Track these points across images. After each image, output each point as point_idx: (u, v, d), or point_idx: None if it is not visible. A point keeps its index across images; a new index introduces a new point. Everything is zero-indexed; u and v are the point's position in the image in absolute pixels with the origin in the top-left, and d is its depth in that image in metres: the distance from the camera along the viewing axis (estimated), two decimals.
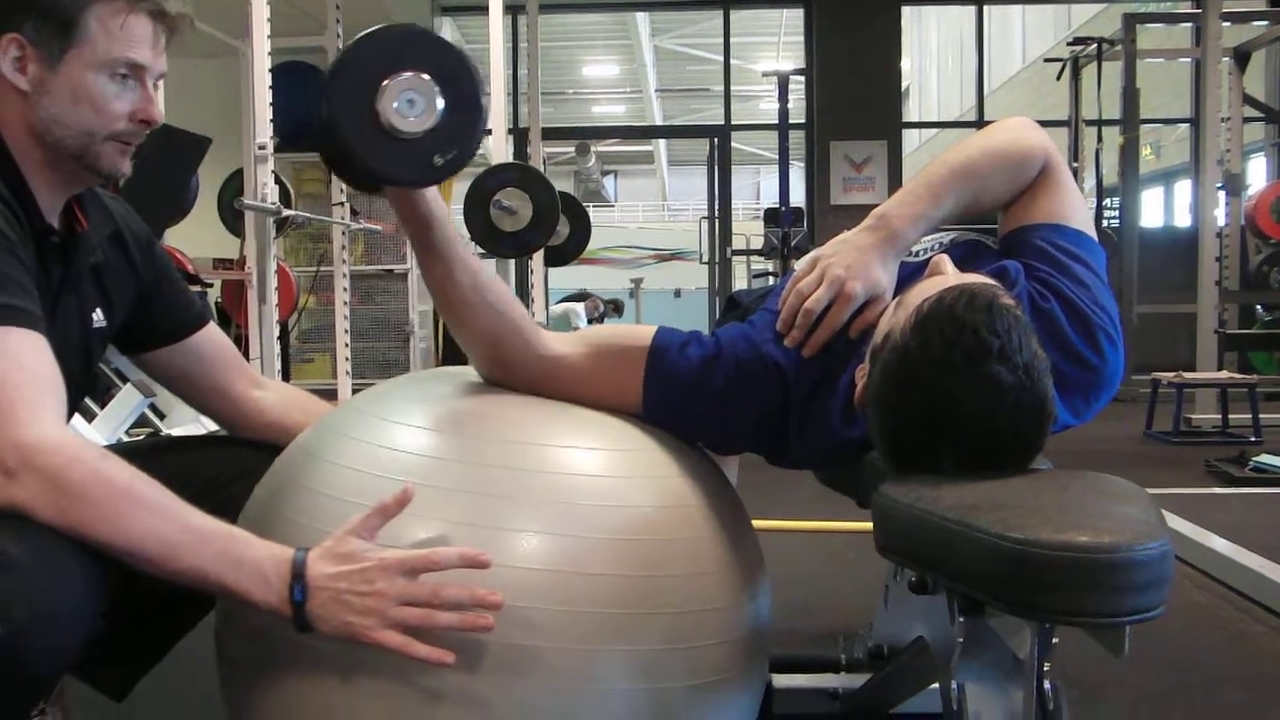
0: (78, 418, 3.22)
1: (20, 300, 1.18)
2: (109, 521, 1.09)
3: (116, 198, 1.52)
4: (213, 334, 1.63)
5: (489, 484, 1.23)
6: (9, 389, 1.11)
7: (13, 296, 1.17)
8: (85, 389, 1.56)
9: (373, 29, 1.27)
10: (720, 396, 1.41)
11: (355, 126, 1.24)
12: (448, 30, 11.70)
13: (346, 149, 1.26)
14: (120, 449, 1.54)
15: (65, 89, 1.29)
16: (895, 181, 9.11)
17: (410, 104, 1.24)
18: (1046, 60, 9.52)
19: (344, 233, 5.52)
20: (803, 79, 9.38)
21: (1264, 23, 7.28)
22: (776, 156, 7.32)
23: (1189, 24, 8.67)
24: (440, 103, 1.24)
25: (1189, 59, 8.80)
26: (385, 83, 1.23)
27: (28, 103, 1.30)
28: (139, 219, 1.55)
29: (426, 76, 1.24)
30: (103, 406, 3.63)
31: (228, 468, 1.51)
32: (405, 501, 1.15)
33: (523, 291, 7.58)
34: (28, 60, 1.29)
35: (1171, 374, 5.55)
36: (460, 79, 1.26)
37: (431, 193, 1.35)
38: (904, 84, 11.14)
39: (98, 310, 1.45)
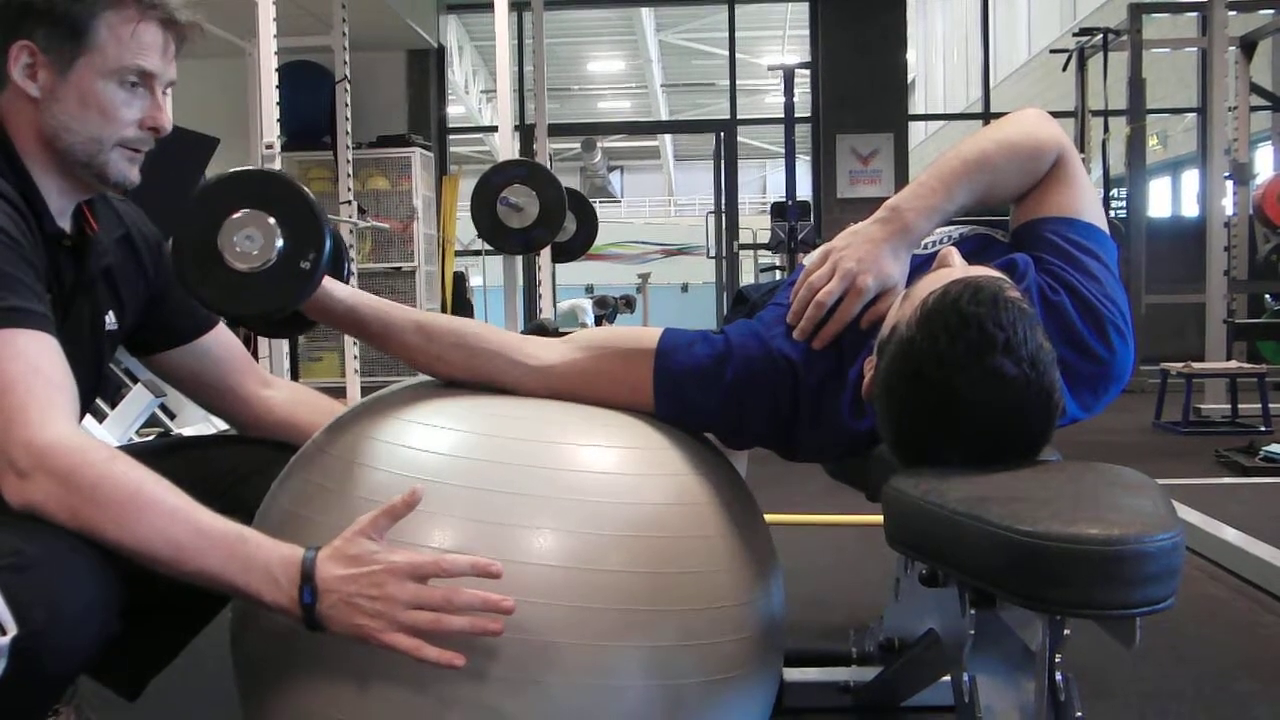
0: (89, 418, 3.23)
1: (29, 302, 1.19)
2: (118, 523, 1.10)
3: (126, 201, 1.53)
4: (222, 335, 1.64)
5: (503, 481, 1.24)
6: (20, 391, 1.12)
7: (21, 299, 1.18)
8: (96, 390, 1.57)
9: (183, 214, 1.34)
10: (731, 393, 1.41)
11: (223, 293, 1.32)
12: (453, 28, 11.70)
13: (229, 312, 1.36)
14: (132, 449, 1.55)
15: (74, 96, 1.30)
16: (902, 174, 9.09)
17: (250, 240, 1.30)
18: (1052, 51, 9.47)
19: (351, 230, 5.53)
20: (808, 72, 9.35)
21: (1270, 11, 7.24)
22: (783, 150, 7.30)
23: (1195, 13, 8.63)
24: (270, 222, 1.30)
25: (1195, 48, 8.77)
26: (217, 239, 1.30)
27: (38, 109, 1.31)
28: (148, 222, 1.56)
29: (244, 213, 1.30)
30: (113, 407, 3.64)
31: (238, 466, 1.52)
32: (414, 503, 1.15)
33: (530, 288, 7.61)
34: (38, 67, 1.30)
35: (1180, 364, 5.53)
36: (277, 193, 1.32)
37: (332, 284, 1.39)
38: (910, 76, 11.12)
39: (110, 313, 1.46)
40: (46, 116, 1.31)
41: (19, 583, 1.03)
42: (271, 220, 1.30)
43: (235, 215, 1.30)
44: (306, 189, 1.34)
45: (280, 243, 1.30)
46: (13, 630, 1.02)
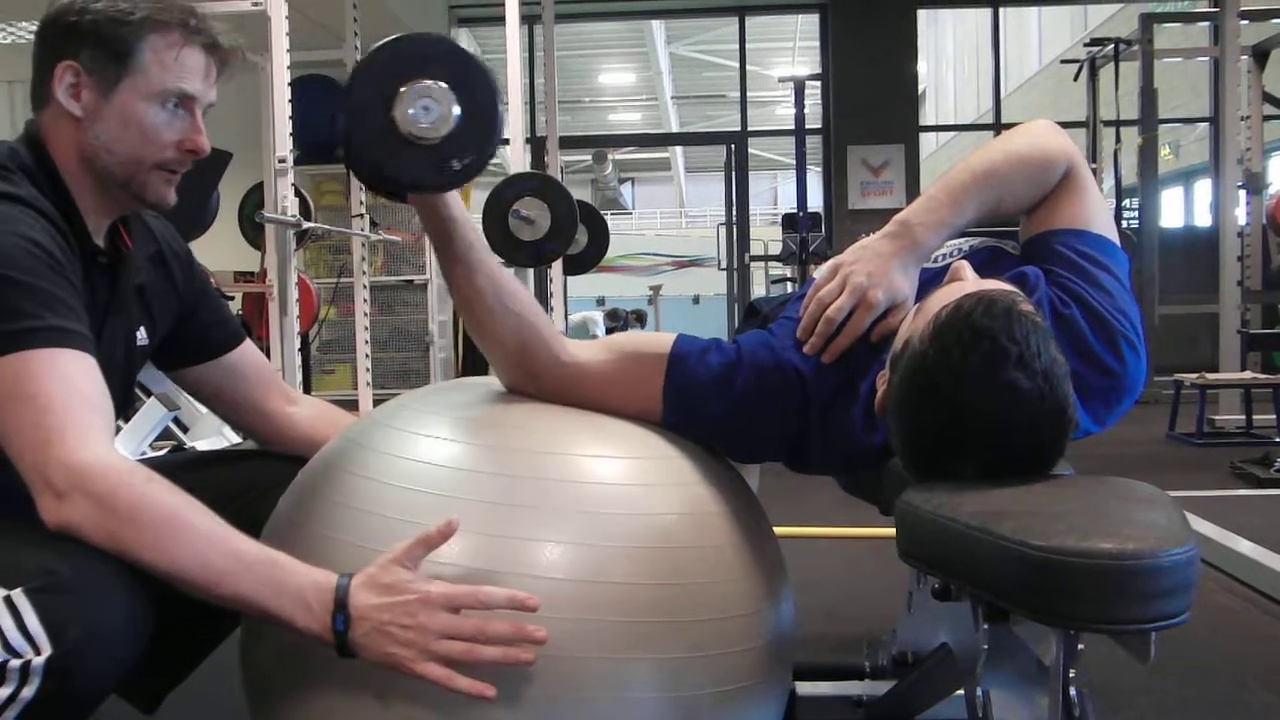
0: None
1: (70, 322, 1.20)
2: (155, 546, 1.10)
3: (157, 215, 1.54)
4: (248, 351, 1.64)
5: (512, 494, 1.24)
6: (59, 411, 1.13)
7: (63, 319, 1.19)
8: (126, 405, 1.59)
9: (389, 38, 1.28)
10: (740, 403, 1.41)
11: (372, 133, 1.25)
12: (465, 40, 11.75)
13: (364, 156, 1.28)
14: (152, 465, 1.56)
15: (117, 116, 1.32)
16: (913, 185, 9.09)
17: (426, 110, 1.25)
18: (1063, 61, 9.47)
19: (364, 244, 5.55)
20: (819, 84, 9.37)
21: None
22: (794, 162, 7.30)
23: (1207, 23, 8.61)
24: (455, 109, 1.26)
25: (1207, 58, 8.75)
26: (401, 90, 1.25)
27: (80, 128, 1.32)
28: (179, 238, 1.57)
29: (442, 84, 1.25)
30: (127, 420, 3.66)
31: (257, 482, 1.52)
32: (449, 534, 1.14)
33: (542, 300, 7.62)
34: (82, 87, 1.31)
35: (1194, 375, 5.52)
36: (475, 85, 1.27)
37: (453, 197, 1.37)
38: (921, 87, 11.12)
39: (141, 329, 1.47)
40: (88, 136, 1.32)
41: (54, 602, 1.05)
42: (456, 101, 1.26)
43: (424, 82, 1.25)
44: (500, 94, 1.29)
45: (450, 129, 1.26)
46: (47, 650, 1.03)
